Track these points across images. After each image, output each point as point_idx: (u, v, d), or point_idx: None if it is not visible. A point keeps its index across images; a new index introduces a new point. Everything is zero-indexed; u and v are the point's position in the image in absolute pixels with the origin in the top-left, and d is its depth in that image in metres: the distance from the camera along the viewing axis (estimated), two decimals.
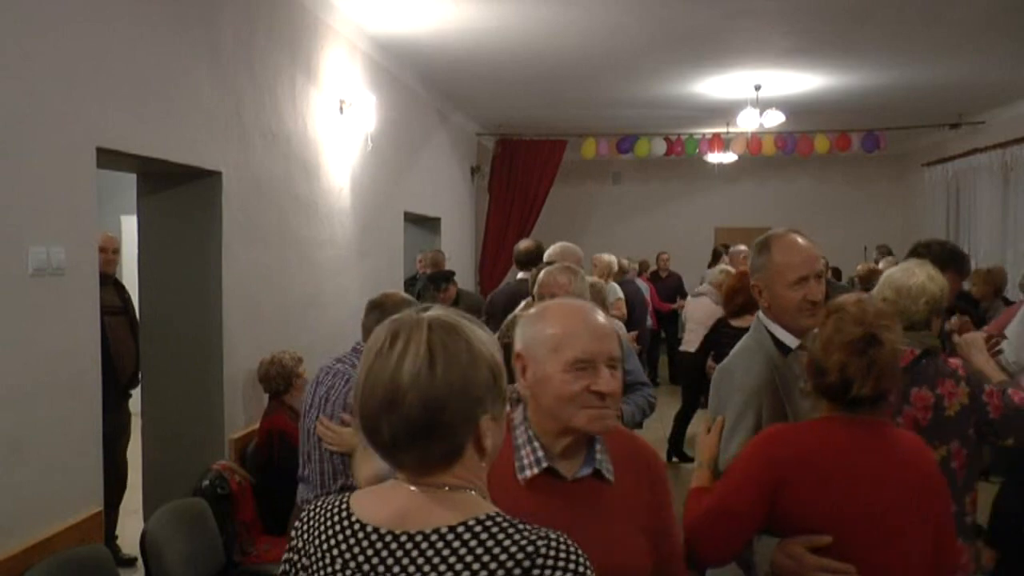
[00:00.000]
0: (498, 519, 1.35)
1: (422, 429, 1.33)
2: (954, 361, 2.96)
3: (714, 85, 9.44)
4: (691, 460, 7.56)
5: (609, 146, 12.39)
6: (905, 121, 11.57)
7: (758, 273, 2.66)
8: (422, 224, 10.10)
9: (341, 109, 6.50)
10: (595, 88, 9.65)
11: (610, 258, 8.87)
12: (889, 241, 13.09)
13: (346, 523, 1.41)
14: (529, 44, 7.49)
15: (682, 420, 8.07)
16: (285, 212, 5.57)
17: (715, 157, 12.42)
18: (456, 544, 1.32)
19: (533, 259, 5.83)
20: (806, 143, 12.03)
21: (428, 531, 1.34)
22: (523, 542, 1.32)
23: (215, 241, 4.72)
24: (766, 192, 14.81)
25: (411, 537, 1.34)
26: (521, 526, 1.34)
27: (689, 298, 7.95)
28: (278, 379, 4.79)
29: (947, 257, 3.61)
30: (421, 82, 9.02)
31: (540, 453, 1.87)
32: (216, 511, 4.14)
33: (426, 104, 9.66)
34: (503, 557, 1.30)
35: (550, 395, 1.84)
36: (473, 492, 1.39)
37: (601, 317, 1.91)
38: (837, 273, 11.87)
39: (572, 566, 1.30)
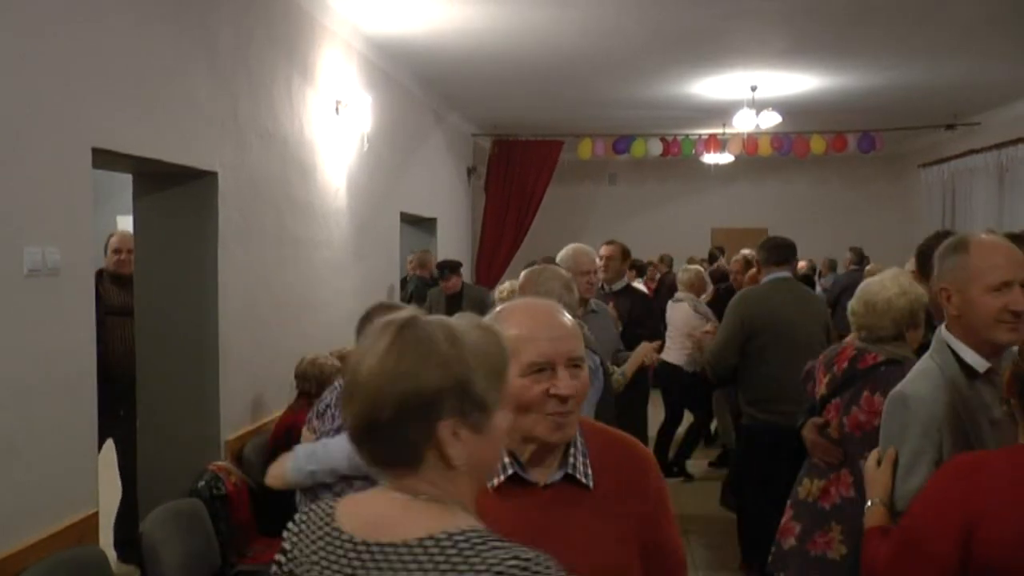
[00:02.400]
0: (471, 535, 1.28)
1: (367, 426, 1.32)
2: None
3: (710, 86, 9.45)
4: (678, 476, 7.38)
5: (605, 147, 12.39)
6: (901, 122, 11.58)
7: (948, 276, 2.32)
8: (418, 225, 10.10)
9: (337, 109, 6.49)
10: (591, 88, 9.65)
11: None
12: (885, 242, 13.14)
13: (328, 528, 1.39)
14: (525, 44, 7.49)
15: (664, 434, 7.50)
16: (281, 213, 5.56)
17: (711, 158, 12.43)
18: (423, 558, 1.27)
19: None
20: (802, 144, 12.03)
21: (397, 542, 1.30)
22: (492, 560, 1.24)
23: (211, 242, 4.71)
24: (762, 193, 14.82)
25: (382, 547, 1.31)
26: (496, 544, 1.26)
27: (669, 304, 7.58)
28: (312, 381, 4.75)
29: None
30: (417, 82, 9.02)
31: (506, 460, 1.77)
32: (212, 512, 4.13)
33: (422, 104, 9.66)
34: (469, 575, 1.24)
35: (511, 401, 1.72)
36: (457, 504, 1.34)
37: (564, 316, 1.82)
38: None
39: None
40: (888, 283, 3.15)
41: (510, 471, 1.78)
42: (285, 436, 4.53)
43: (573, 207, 14.57)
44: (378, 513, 1.35)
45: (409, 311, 1.39)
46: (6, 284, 3.12)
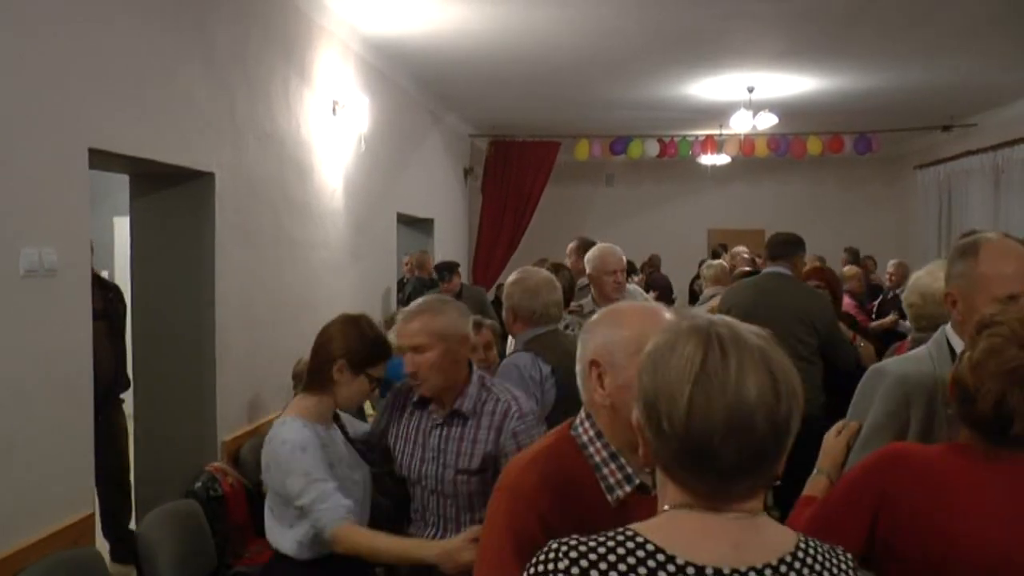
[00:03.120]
0: (803, 537, 1.33)
1: (771, 451, 1.25)
2: None
3: (707, 87, 9.45)
4: None
5: (602, 148, 12.38)
6: (897, 123, 11.59)
7: (955, 281, 2.26)
8: (415, 225, 10.10)
9: (334, 110, 6.49)
10: (588, 89, 9.65)
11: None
12: (882, 243, 13.16)
13: (669, 567, 1.23)
14: (522, 45, 7.49)
15: None
16: (278, 213, 5.56)
17: (708, 159, 12.44)
18: (805, 570, 1.28)
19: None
20: (799, 145, 12.04)
21: (774, 561, 1.26)
22: (839, 550, 1.36)
23: (208, 242, 4.71)
24: (759, 194, 14.83)
25: (759, 572, 1.25)
26: (829, 545, 1.36)
27: (700, 300, 7.41)
28: None
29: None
30: (414, 83, 9.02)
31: (629, 470, 1.76)
32: (208, 513, 4.12)
33: (419, 105, 9.66)
34: (844, 566, 1.33)
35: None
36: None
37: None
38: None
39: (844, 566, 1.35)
40: (939, 273, 3.09)
41: (636, 481, 1.77)
42: None
43: (570, 208, 14.57)
44: (735, 538, 1.26)
45: (714, 318, 1.34)
46: (3, 285, 3.12)
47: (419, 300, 2.99)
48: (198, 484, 4.36)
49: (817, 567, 1.29)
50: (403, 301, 8.82)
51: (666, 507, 1.31)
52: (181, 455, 4.64)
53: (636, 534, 1.27)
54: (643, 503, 1.68)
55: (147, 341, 4.75)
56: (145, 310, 4.75)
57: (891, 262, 9.10)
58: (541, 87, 9.44)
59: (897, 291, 7.92)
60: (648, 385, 1.29)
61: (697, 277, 12.34)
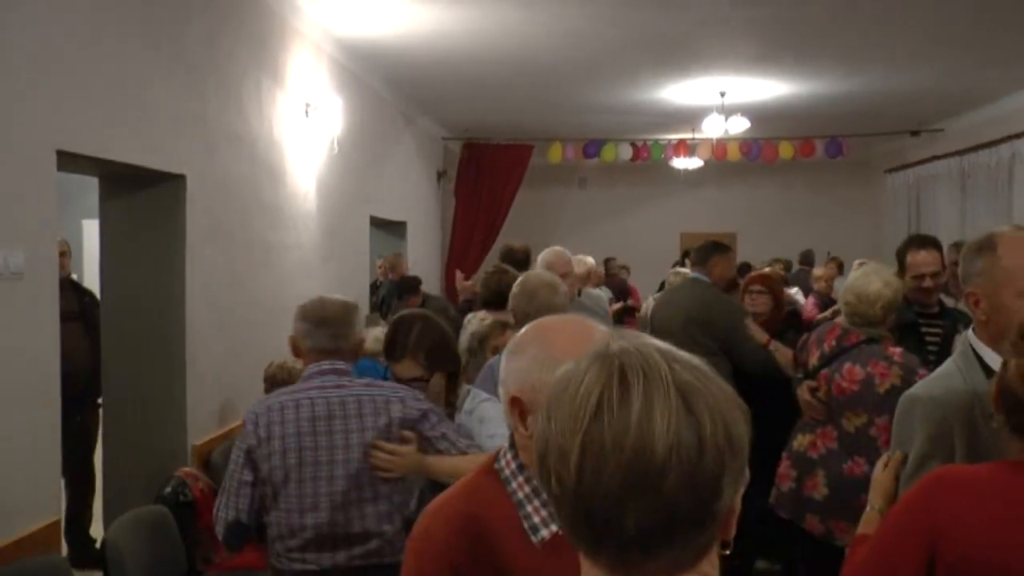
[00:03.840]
0: None
1: (695, 518, 0.96)
2: (894, 350, 3.63)
3: (680, 91, 9.49)
4: None
5: (575, 151, 12.40)
6: (867, 128, 11.71)
7: (976, 280, 2.15)
8: (388, 228, 10.06)
9: (307, 112, 6.46)
10: (562, 93, 9.67)
11: (590, 261, 8.65)
12: (852, 246, 13.27)
13: None
14: (496, 48, 7.49)
15: None
16: (251, 216, 5.52)
17: (681, 162, 12.49)
18: None
19: (524, 262, 5.91)
20: (771, 149, 12.12)
21: None
22: None
23: (179, 245, 4.66)
24: (731, 197, 14.91)
25: None
26: None
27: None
28: (280, 385, 4.72)
29: (901, 248, 4.36)
30: (387, 86, 9.00)
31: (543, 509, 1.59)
32: (179, 519, 4.08)
33: (392, 108, 9.63)
34: None
35: None
36: None
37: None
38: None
39: None
40: (873, 277, 3.70)
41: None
42: None
43: (543, 211, 14.58)
44: None
45: (628, 336, 1.06)
46: None
47: None
48: (168, 489, 4.31)
49: None
50: (377, 304, 8.79)
51: None
52: (151, 460, 4.60)
53: None
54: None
55: (117, 345, 4.70)
56: (115, 313, 4.70)
57: (856, 262, 9.22)
58: (514, 90, 9.44)
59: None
60: (540, 435, 1.02)
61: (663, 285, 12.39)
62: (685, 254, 11.96)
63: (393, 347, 3.13)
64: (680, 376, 0.97)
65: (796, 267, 11.96)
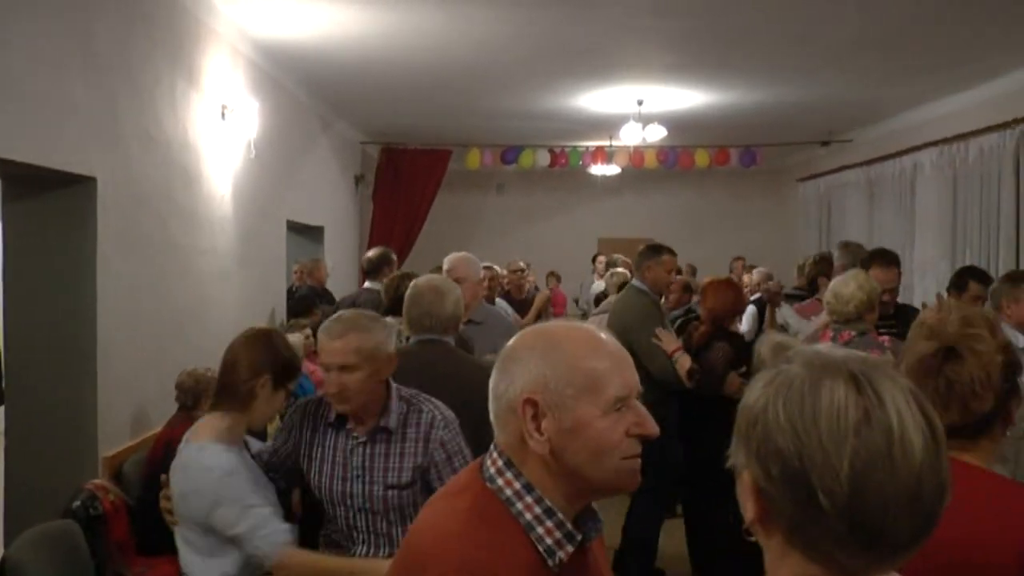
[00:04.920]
0: None
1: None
2: (882, 338, 4.05)
3: (597, 99, 9.58)
4: None
5: (493, 157, 12.43)
6: (780, 138, 11.99)
7: None
8: (305, 233, 9.91)
9: (223, 114, 6.32)
10: (480, 99, 9.67)
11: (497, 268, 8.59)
12: (766, 252, 13.63)
13: None
14: (414, 53, 7.44)
15: None
16: (165, 220, 5.37)
17: (598, 169, 12.61)
18: None
19: (378, 266, 6.00)
20: (687, 157, 12.32)
21: None
22: None
23: (89, 250, 4.51)
24: (648, 204, 15.11)
25: None
26: None
27: (593, 316, 7.21)
28: (190, 393, 4.61)
29: (867, 257, 5.10)
30: (305, 89, 8.88)
31: (569, 526, 1.51)
32: (88, 533, 3.94)
33: (309, 111, 9.51)
34: None
35: (586, 448, 1.48)
36: None
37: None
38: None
39: None
40: (850, 281, 4.19)
41: (578, 538, 1.52)
42: (164, 452, 4.36)
43: (461, 216, 14.58)
44: None
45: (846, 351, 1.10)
46: None
47: (343, 315, 2.85)
48: (77, 503, 4.16)
49: None
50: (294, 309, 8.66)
51: None
52: (58, 472, 4.42)
53: None
54: (581, 560, 1.54)
55: (21, 353, 4.52)
56: (19, 320, 4.52)
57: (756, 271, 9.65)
58: (433, 95, 9.41)
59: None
60: (786, 447, 1.01)
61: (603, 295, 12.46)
62: (594, 259, 12.09)
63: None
64: (902, 380, 1.04)
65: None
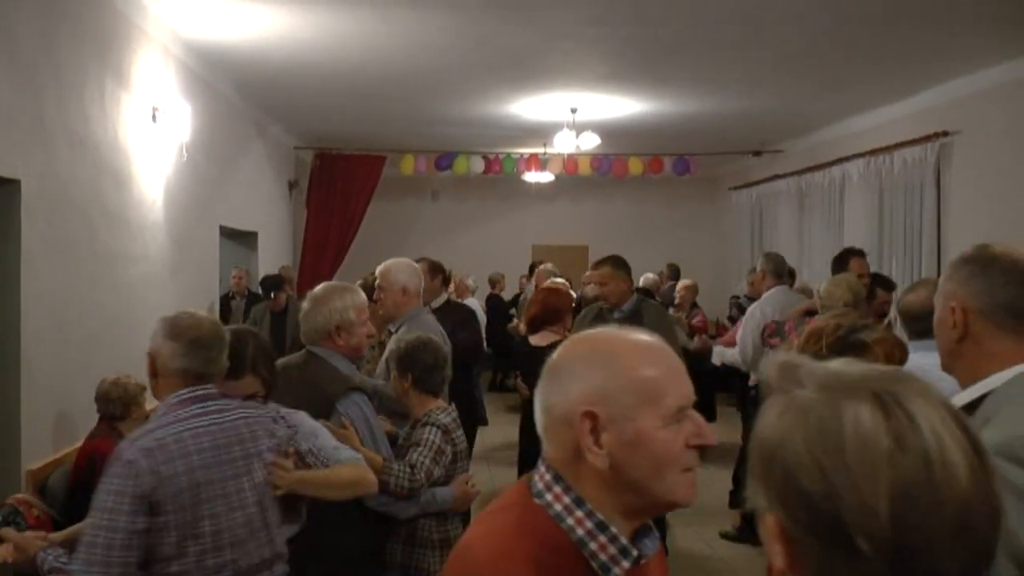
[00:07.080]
0: None
1: (994, 552, 0.90)
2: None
3: (531, 106, 9.60)
4: None
5: (428, 163, 12.37)
6: (713, 147, 12.16)
7: None
8: (238, 239, 9.75)
9: (154, 117, 6.18)
10: (414, 105, 9.62)
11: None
12: (699, 259, 13.85)
13: None
14: (348, 58, 7.38)
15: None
16: (94, 225, 5.22)
17: (532, 176, 12.64)
18: None
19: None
20: (621, 165, 12.41)
21: None
22: None
23: (13, 254, 4.34)
24: (583, 211, 15.21)
25: None
26: None
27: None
28: (117, 403, 4.45)
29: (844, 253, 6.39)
30: (238, 92, 8.73)
31: (623, 541, 1.44)
32: None
33: (243, 115, 9.36)
34: None
35: (648, 461, 1.42)
36: None
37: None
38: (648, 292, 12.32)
39: None
40: (841, 282, 4.83)
41: (634, 553, 1.45)
42: (88, 465, 4.22)
43: (395, 222, 14.51)
44: None
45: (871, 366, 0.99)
46: None
47: None
48: (0, 518, 4.02)
49: None
50: (240, 316, 8.53)
51: None
52: None
53: None
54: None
55: None
56: None
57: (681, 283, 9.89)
58: (367, 100, 9.34)
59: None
60: (813, 488, 0.90)
61: (520, 293, 12.49)
62: (531, 267, 12.10)
63: (233, 364, 2.93)
64: (936, 394, 0.91)
65: (667, 283, 11.78)
